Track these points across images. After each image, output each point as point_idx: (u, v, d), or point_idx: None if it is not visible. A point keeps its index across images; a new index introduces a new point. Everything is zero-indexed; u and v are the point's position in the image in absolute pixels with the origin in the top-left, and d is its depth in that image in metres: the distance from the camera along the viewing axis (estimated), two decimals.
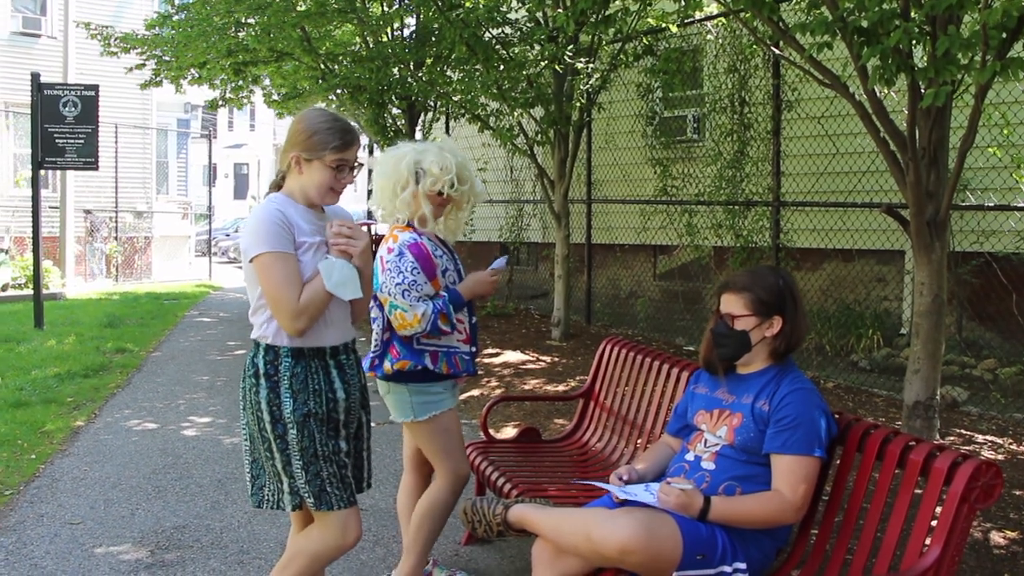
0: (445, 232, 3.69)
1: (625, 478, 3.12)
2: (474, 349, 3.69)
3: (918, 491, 2.76)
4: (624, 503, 2.95)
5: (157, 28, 12.69)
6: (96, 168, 12.67)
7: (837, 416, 3.08)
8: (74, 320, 12.38)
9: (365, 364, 3.55)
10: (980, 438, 5.76)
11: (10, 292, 15.77)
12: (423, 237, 3.55)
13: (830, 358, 8.22)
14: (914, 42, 4.67)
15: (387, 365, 3.53)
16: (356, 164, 2.98)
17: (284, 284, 2.80)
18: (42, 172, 12.58)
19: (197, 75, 12.81)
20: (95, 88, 12.25)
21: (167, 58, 12.54)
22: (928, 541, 2.63)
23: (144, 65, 12.97)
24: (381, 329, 3.58)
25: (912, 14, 4.59)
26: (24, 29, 19.52)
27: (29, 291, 13.79)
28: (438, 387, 3.59)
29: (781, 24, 5.45)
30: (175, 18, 12.21)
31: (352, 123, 3.05)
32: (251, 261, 2.84)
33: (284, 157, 2.96)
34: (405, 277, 3.43)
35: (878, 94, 5.09)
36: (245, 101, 14.56)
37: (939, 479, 2.66)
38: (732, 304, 3.08)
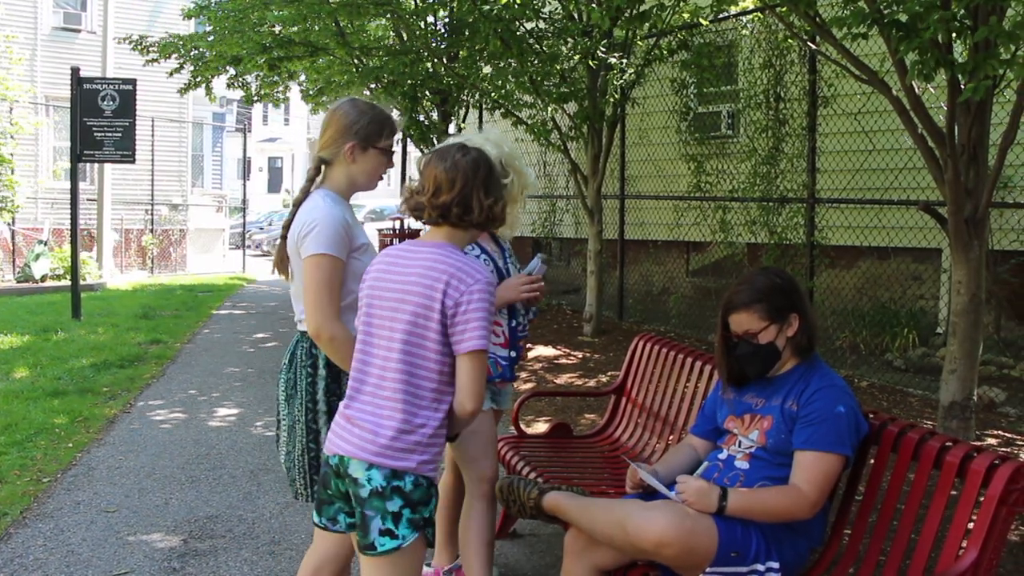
0: (499, 229, 3.46)
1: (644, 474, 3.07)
2: (514, 354, 3.49)
3: (954, 493, 2.72)
4: (654, 494, 2.94)
5: (194, 20, 12.77)
6: (133, 161, 12.81)
7: (872, 416, 3.04)
8: (110, 311, 12.53)
9: None
10: (1019, 440, 5.67)
11: (48, 283, 16.00)
12: None
13: (864, 357, 8.13)
14: (954, 36, 4.60)
15: None
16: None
17: (330, 287, 2.83)
18: (80, 165, 12.73)
19: (233, 72, 12.90)
20: (132, 82, 12.39)
21: (205, 53, 12.62)
22: (965, 544, 2.60)
23: (181, 68, 13.08)
24: None
25: (952, 6, 4.51)
26: (65, 24, 19.80)
27: (67, 282, 13.97)
28: None
29: (817, 19, 5.39)
30: (212, 5, 12.26)
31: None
32: (305, 258, 2.86)
33: (332, 148, 2.97)
34: None
35: (916, 89, 5.02)
36: (281, 97, 14.64)
37: (976, 481, 2.62)
38: (746, 322, 3.00)
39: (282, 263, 3.02)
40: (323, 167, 3.02)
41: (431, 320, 2.43)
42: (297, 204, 2.98)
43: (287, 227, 2.96)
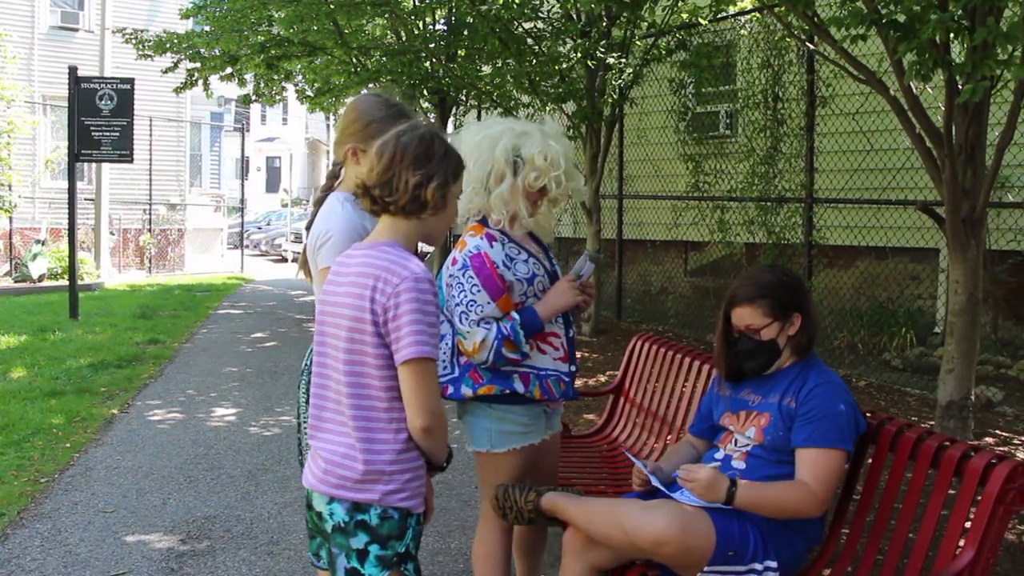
0: (538, 230, 3.10)
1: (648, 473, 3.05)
2: (574, 368, 3.11)
3: (952, 492, 2.73)
4: (655, 493, 2.93)
5: (191, 19, 12.75)
6: (131, 161, 12.82)
7: (869, 415, 3.04)
8: (108, 311, 12.52)
9: None
10: (1016, 439, 5.68)
11: (46, 283, 15.98)
12: (497, 243, 2.97)
13: (862, 356, 8.14)
14: (952, 36, 4.60)
15: (466, 391, 2.96)
16: None
17: None
18: (78, 164, 12.72)
19: (230, 71, 12.88)
20: (131, 82, 12.39)
21: (202, 52, 12.61)
22: (962, 543, 2.60)
23: (177, 66, 13.05)
24: (451, 349, 3.01)
25: (950, 7, 4.51)
26: (63, 23, 19.76)
27: (65, 282, 13.96)
28: (526, 416, 3.03)
29: (816, 19, 5.39)
30: (210, 8, 12.25)
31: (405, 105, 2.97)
32: (320, 270, 2.78)
33: (340, 148, 2.91)
34: (465, 295, 2.89)
35: (914, 90, 5.03)
36: (277, 97, 14.61)
37: (974, 480, 2.62)
38: (749, 316, 2.98)
39: (305, 265, 2.96)
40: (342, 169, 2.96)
41: (365, 332, 2.21)
42: (317, 204, 2.92)
43: (309, 227, 2.90)
